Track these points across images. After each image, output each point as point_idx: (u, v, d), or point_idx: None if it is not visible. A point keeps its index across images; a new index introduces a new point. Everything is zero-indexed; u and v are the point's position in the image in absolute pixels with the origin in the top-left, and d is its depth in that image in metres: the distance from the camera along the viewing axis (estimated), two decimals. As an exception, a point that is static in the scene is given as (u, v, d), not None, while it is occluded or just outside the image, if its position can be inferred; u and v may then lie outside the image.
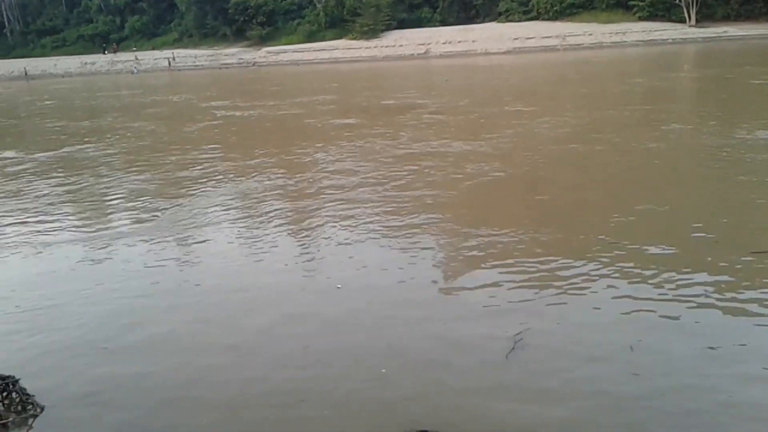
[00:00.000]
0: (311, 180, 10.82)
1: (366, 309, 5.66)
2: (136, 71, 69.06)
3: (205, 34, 79.36)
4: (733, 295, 5.41)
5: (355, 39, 69.24)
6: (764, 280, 5.65)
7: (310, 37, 72.32)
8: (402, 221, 8.06)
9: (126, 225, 8.83)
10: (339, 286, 6.13)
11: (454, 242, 7.22)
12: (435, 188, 9.64)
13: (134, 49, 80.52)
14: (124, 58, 75.61)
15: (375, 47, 67.23)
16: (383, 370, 4.58)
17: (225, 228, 8.33)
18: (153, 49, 79.95)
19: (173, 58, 72.82)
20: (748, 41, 54.06)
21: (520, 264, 6.40)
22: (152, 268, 7.01)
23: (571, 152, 11.97)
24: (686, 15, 61.94)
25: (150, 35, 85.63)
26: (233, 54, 73.50)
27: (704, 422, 3.84)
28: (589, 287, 5.78)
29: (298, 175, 11.25)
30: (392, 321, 5.40)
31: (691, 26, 61.31)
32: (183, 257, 7.33)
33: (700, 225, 7.23)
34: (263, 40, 74.50)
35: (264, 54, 71.07)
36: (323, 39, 71.44)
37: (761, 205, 7.92)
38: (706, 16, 61.87)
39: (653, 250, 6.50)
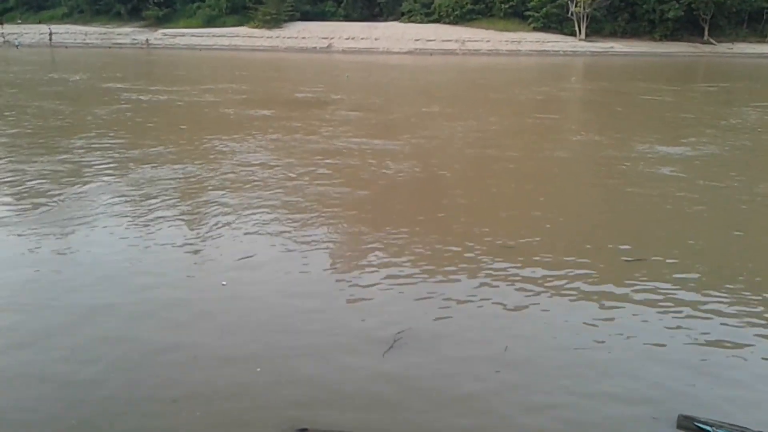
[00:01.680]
0: (223, 172, 10.57)
1: (248, 306, 5.62)
2: (18, 44, 64.59)
3: (97, 11, 75.23)
4: (602, 299, 5.79)
5: (256, 27, 68.03)
6: (629, 285, 6.05)
7: (210, 22, 70.34)
8: (304, 218, 7.98)
9: (11, 212, 8.32)
10: (224, 282, 6.01)
11: (351, 241, 7.28)
12: (345, 186, 9.72)
13: (19, 22, 75.19)
14: (8, 31, 70.54)
15: (277, 37, 66.45)
16: (258, 369, 4.57)
17: (115, 219, 7.95)
18: (40, 23, 74.96)
19: (50, 35, 68.55)
20: (631, 57, 57.93)
21: (412, 265, 6.51)
22: (30, 256, 6.70)
23: (484, 157, 12.45)
24: (577, 29, 65.37)
25: (37, 8, 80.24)
26: (127, 34, 70.23)
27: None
28: (475, 290, 5.95)
29: (210, 167, 10.98)
30: (273, 318, 5.40)
31: (581, 40, 64.78)
32: (62, 248, 6.95)
33: (586, 233, 7.68)
34: (160, 22, 71.67)
35: (159, 36, 68.46)
36: (223, 25, 69.69)
37: (644, 216, 8.48)
38: (595, 31, 65.56)
39: (539, 255, 6.81)
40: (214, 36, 66.64)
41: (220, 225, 7.73)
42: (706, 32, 65.07)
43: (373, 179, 10.29)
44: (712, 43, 64.39)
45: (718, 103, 21.95)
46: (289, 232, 7.53)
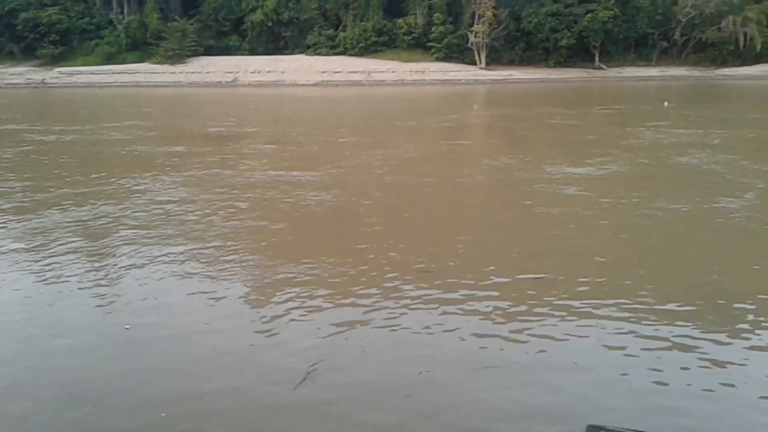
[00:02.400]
0: (134, 211, 10.27)
1: (154, 348, 5.49)
2: None
3: (-13, 51, 71.86)
4: (514, 317, 5.98)
5: (158, 63, 66.71)
6: (538, 302, 6.28)
7: (109, 59, 68.31)
8: (216, 254, 7.95)
9: None
10: (127, 326, 5.86)
11: (265, 275, 7.20)
12: (262, 219, 9.69)
13: None
14: None
15: (180, 72, 65.31)
16: (163, 414, 4.47)
17: (15, 265, 7.61)
18: None
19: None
20: (530, 84, 60.56)
21: (327, 295, 6.51)
22: None
23: (402, 183, 12.64)
24: (477, 58, 67.84)
25: None
26: (21, 73, 67.17)
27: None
28: (391, 316, 6.01)
29: (121, 206, 10.65)
30: (180, 359, 5.30)
31: (481, 68, 67.22)
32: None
33: (498, 255, 7.92)
34: (56, 60, 68.94)
35: (56, 74, 65.84)
36: (123, 61, 67.85)
37: (552, 235, 8.81)
38: (494, 60, 68.24)
39: (454, 278, 6.96)
40: (114, 73, 64.79)
41: (127, 266, 7.51)
42: (596, 58, 68.92)
43: (291, 211, 10.26)
44: (602, 68, 68.24)
45: (616, 125, 23.21)
46: (200, 269, 7.39)
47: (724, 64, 68.17)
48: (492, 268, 7.32)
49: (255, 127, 23.93)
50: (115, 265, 7.60)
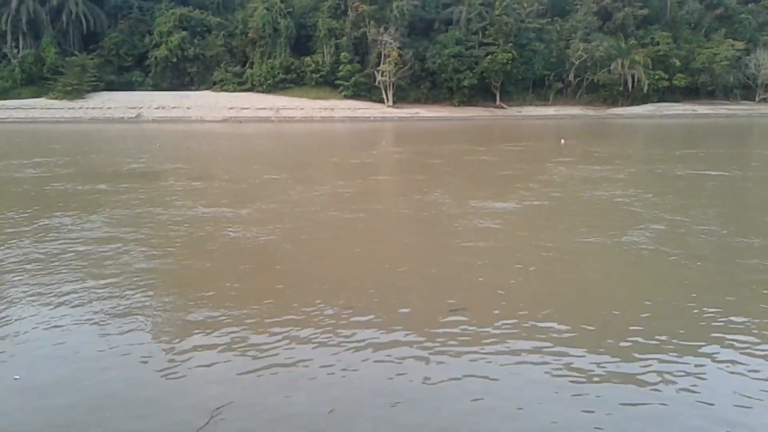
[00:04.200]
0: (53, 253, 9.77)
1: (48, 397, 5.24)
2: None
3: None
4: (428, 349, 6.07)
5: (56, 98, 63.99)
6: (453, 333, 6.43)
7: (3, 94, 64.88)
8: (126, 294, 7.68)
9: None
10: (17, 377, 5.55)
11: (173, 317, 6.98)
12: (189, 258, 9.50)
13: None
14: None
15: (80, 108, 62.84)
16: None
17: None
18: None
19: None
20: (435, 121, 62.32)
21: (238, 336, 6.40)
22: None
23: (330, 219, 12.66)
24: (385, 96, 69.23)
25: None
26: None
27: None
28: (303, 355, 5.97)
29: (41, 246, 10.17)
30: (76, 407, 5.08)
31: (389, 106, 68.58)
32: None
33: (420, 288, 8.03)
34: (-59, 94, 64.98)
35: (-60, 109, 62.00)
36: (18, 97, 64.54)
37: (472, 268, 9.01)
38: (401, 98, 69.87)
39: (373, 313, 7.01)
40: (8, 108, 61.49)
41: (31, 312, 7.11)
42: (497, 98, 71.90)
43: (217, 249, 10.08)
44: (503, 107, 71.24)
45: (528, 161, 24.22)
46: (104, 311, 7.13)
47: (614, 103, 72.79)
48: (412, 300, 7.47)
49: (176, 163, 23.30)
50: (14, 306, 7.24)
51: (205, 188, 16.86)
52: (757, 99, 75.59)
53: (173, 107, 64.20)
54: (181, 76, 70.82)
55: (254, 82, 70.15)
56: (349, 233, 11.57)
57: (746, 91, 76.07)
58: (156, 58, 69.07)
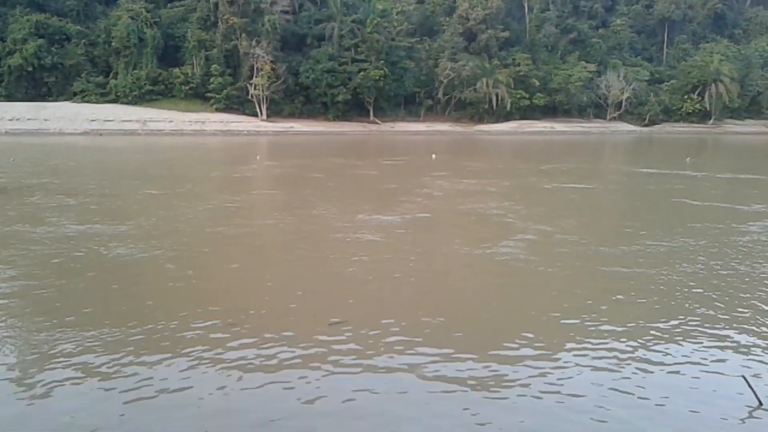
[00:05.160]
0: None
1: None
2: None
3: None
4: (307, 363, 6.14)
5: None
6: (333, 347, 6.54)
7: None
8: None
9: None
10: None
11: (33, 342, 6.64)
12: (62, 277, 9.04)
13: None
14: None
15: None
16: None
17: None
18: None
19: None
20: (311, 135, 62.38)
21: (106, 359, 6.18)
22: None
23: (217, 235, 12.34)
24: (258, 110, 68.39)
25: None
26: None
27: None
28: (182, 379, 5.85)
29: None
30: None
31: (263, 120, 67.82)
32: None
33: (301, 302, 8.05)
34: None
35: None
36: None
37: (353, 281, 9.21)
38: (275, 112, 69.34)
39: (255, 329, 6.98)
40: None
41: None
42: (371, 113, 73.09)
43: (94, 268, 9.62)
44: (377, 123, 72.46)
45: (408, 175, 24.76)
46: None
47: (480, 120, 76.14)
48: (291, 315, 7.53)
49: (42, 178, 21.68)
50: None
51: (78, 204, 15.86)
52: (608, 117, 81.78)
53: (29, 119, 59.97)
54: (38, 86, 66.25)
55: (119, 93, 66.96)
56: (235, 249, 11.30)
57: (598, 109, 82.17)
58: (9, 66, 64.14)
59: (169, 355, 6.27)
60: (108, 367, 5.94)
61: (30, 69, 64.67)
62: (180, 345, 6.50)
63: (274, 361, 6.16)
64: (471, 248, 11.30)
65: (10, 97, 64.15)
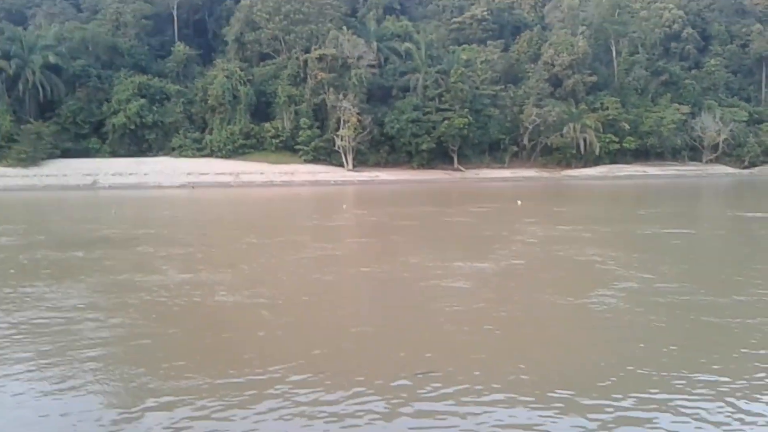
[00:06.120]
0: (24, 319, 9.45)
1: None
2: None
3: None
4: (398, 415, 6.02)
5: (10, 166, 62.76)
6: (422, 399, 6.37)
7: (-45, 163, 63.44)
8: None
9: None
10: None
11: (138, 385, 6.81)
12: (166, 325, 9.36)
13: None
14: None
15: (35, 176, 61.68)
16: None
17: None
18: None
19: None
20: (396, 184, 62.89)
21: (207, 406, 6.24)
22: None
23: (318, 282, 12.49)
24: (344, 160, 69.84)
25: None
26: None
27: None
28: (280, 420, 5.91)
29: (15, 315, 9.75)
30: None
31: (349, 170, 69.14)
32: None
33: (391, 351, 7.97)
34: None
35: None
36: (-29, 165, 63.29)
37: (439, 330, 8.99)
38: (361, 162, 70.56)
39: (355, 384, 6.80)
40: (-40, 176, 60.06)
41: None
42: (455, 161, 73.20)
43: (194, 314, 9.90)
44: (461, 170, 72.45)
45: (499, 222, 24.53)
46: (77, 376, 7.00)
47: (568, 165, 74.77)
48: (382, 366, 7.41)
49: (145, 229, 22.78)
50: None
51: (184, 254, 16.51)
52: (704, 160, 78.59)
53: (130, 173, 63.53)
54: (139, 142, 70.21)
55: (213, 148, 70.02)
56: (332, 296, 11.43)
57: (693, 152, 79.17)
58: (114, 125, 68.41)
59: (257, 404, 6.27)
60: (195, 417, 6.00)
61: (132, 127, 68.67)
62: (268, 394, 6.51)
63: (362, 413, 6.07)
64: (567, 297, 10.90)
65: (113, 154, 68.18)
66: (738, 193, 46.85)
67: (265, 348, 8.17)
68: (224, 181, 63.85)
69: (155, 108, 70.11)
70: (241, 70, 71.78)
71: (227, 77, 70.31)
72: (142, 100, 68.94)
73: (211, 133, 71.12)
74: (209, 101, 70.49)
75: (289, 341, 8.46)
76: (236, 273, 13.39)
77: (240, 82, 70.88)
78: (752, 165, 78.03)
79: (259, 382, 6.84)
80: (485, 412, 6.03)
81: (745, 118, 79.86)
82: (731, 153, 78.87)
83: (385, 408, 6.14)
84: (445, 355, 7.81)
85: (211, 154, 69.87)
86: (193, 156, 69.20)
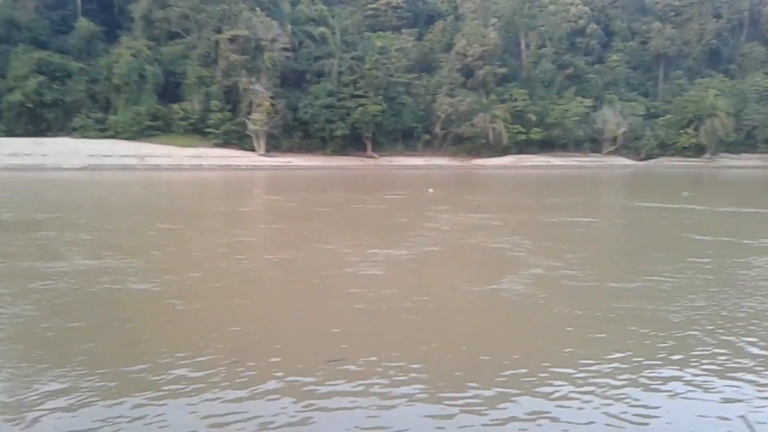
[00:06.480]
0: None
1: None
2: None
3: None
4: (305, 400, 6.06)
5: None
6: (333, 386, 6.39)
7: None
8: None
9: None
10: None
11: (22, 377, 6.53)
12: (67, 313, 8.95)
13: None
14: None
15: None
16: None
17: None
18: None
19: None
20: (309, 170, 62.57)
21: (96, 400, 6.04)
22: None
23: (229, 269, 12.25)
24: (256, 145, 68.77)
25: None
26: None
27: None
28: (170, 422, 5.71)
29: None
30: None
31: (261, 155, 68.15)
32: None
33: (296, 338, 7.96)
34: None
35: None
36: None
37: (349, 317, 8.96)
38: (273, 147, 69.74)
39: (267, 370, 6.80)
40: None
41: None
42: (369, 148, 73.49)
43: (101, 302, 9.49)
44: (374, 157, 72.84)
45: (414, 209, 24.70)
46: None
47: (478, 155, 76.62)
48: (294, 354, 7.34)
49: (47, 213, 21.58)
50: None
51: (93, 239, 15.75)
52: (604, 151, 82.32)
53: (27, 154, 60.18)
54: (37, 121, 66.52)
55: (118, 129, 67.38)
56: (245, 284, 11.21)
57: (594, 144, 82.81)
58: (9, 103, 64.56)
59: (165, 394, 6.10)
60: (92, 406, 5.79)
61: (30, 105, 65.03)
62: (179, 384, 6.34)
63: (272, 401, 6.01)
64: (480, 284, 11.15)
65: (9, 133, 64.36)
66: (635, 184, 49.29)
67: (173, 338, 7.91)
68: (129, 163, 61.58)
69: (55, 86, 66.62)
70: (149, 49, 69.37)
71: (134, 55, 67.73)
72: (41, 77, 65.37)
73: (115, 114, 68.38)
74: (114, 80, 67.68)
75: (199, 330, 8.21)
76: (146, 260, 12.90)
77: (147, 61, 68.48)
78: (648, 157, 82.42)
79: (164, 374, 6.60)
80: (397, 400, 6.08)
81: (642, 113, 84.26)
82: (629, 145, 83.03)
83: (294, 397, 6.09)
84: (358, 342, 7.81)
85: (115, 136, 67.24)
86: (96, 137, 66.36)
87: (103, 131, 67.27)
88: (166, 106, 69.25)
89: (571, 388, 6.44)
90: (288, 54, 72.37)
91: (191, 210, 24.79)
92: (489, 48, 78.53)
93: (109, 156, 62.59)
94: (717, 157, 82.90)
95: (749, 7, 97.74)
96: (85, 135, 66.34)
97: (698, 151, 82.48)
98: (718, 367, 7.05)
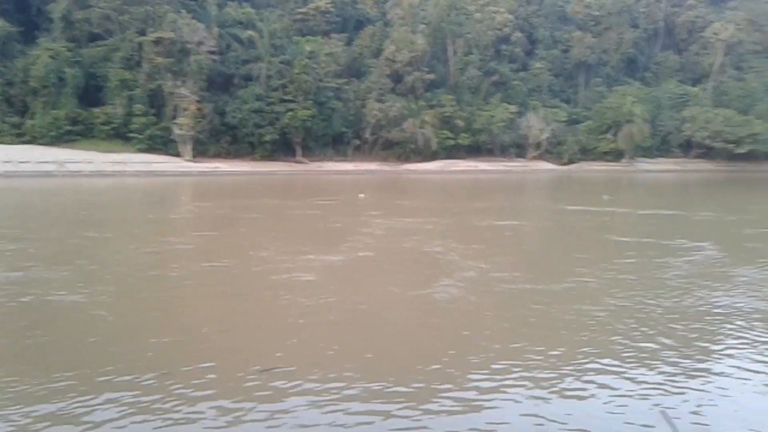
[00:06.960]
0: None
1: None
2: None
3: None
4: (233, 412, 6.13)
5: None
6: (261, 395, 6.52)
7: None
8: None
9: None
10: None
11: None
12: None
13: None
14: None
15: None
16: None
17: None
18: None
19: None
20: (238, 176, 61.52)
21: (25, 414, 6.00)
22: None
23: (159, 279, 12.08)
24: (183, 150, 67.16)
25: None
26: None
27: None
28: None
29: None
30: None
31: (188, 160, 66.58)
32: None
33: (228, 348, 7.99)
34: None
35: None
36: None
37: (279, 325, 9.14)
38: (200, 152, 68.16)
39: (186, 378, 6.85)
40: None
41: None
42: (299, 153, 72.98)
43: (26, 316, 9.11)
44: (304, 162, 72.35)
45: (347, 215, 24.80)
46: None
47: (407, 160, 77.15)
48: (226, 363, 7.38)
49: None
50: None
51: (16, 249, 15.10)
52: (528, 157, 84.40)
53: (-65, 161, 56.95)
54: (-52, 127, 63.05)
55: (35, 134, 64.26)
56: (176, 293, 11.08)
57: (519, 149, 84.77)
58: None
59: (97, 406, 5.96)
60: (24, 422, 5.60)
61: (-61, 109, 61.60)
62: (110, 396, 6.22)
63: (205, 411, 6.02)
64: (414, 288, 11.36)
65: None
66: (559, 188, 50.85)
67: (101, 350, 7.77)
68: (47, 170, 58.95)
69: (-34, 89, 63.19)
70: (69, 51, 66.57)
71: (52, 57, 64.91)
72: (-49, 80, 61.90)
73: (32, 118, 65.21)
74: (31, 83, 64.56)
75: (127, 342, 8.08)
76: (72, 270, 12.50)
77: (67, 63, 65.70)
78: (571, 162, 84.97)
79: (89, 386, 6.51)
80: (329, 405, 6.18)
81: (564, 119, 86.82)
82: (553, 150, 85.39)
83: (227, 406, 6.11)
84: (291, 350, 7.88)
85: (32, 141, 64.15)
86: (12, 142, 63.06)
87: (20, 136, 64.00)
88: (86, 110, 66.51)
89: (498, 383, 6.70)
90: (215, 57, 70.91)
91: (118, 218, 24.06)
92: (417, 54, 79.31)
93: (27, 162, 59.72)
94: (634, 162, 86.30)
95: (664, 17, 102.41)
96: (0, 140, 63.16)
97: (617, 155, 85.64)
98: (638, 363, 7.43)
